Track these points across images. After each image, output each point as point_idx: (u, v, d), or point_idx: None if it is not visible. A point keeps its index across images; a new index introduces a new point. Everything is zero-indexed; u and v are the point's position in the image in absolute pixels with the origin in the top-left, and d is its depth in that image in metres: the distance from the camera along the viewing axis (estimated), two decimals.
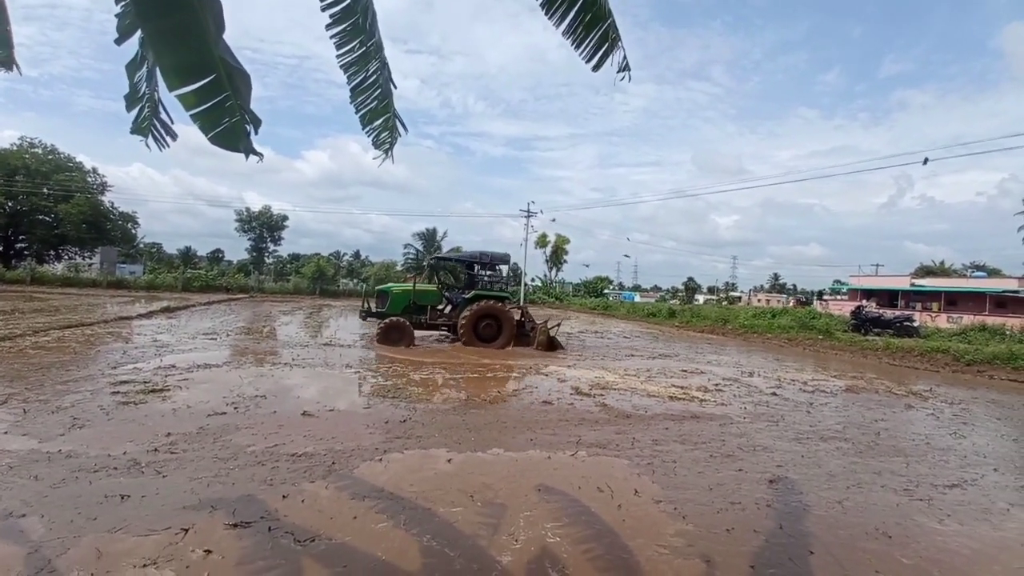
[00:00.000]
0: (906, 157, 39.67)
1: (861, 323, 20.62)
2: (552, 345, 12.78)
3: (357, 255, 64.04)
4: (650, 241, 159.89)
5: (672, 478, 4.41)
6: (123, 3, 2.22)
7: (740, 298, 73.67)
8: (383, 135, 2.55)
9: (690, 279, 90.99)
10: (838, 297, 46.89)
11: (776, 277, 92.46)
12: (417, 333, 12.58)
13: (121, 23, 2.32)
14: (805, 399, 8.25)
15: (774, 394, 8.48)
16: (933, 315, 31.24)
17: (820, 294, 57.83)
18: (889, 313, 23.79)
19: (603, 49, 2.45)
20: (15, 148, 37.85)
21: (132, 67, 2.34)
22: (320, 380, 7.96)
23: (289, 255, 64.47)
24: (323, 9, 2.24)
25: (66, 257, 40.77)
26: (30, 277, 28.87)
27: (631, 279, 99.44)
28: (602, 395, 7.69)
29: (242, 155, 1.80)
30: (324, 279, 41.38)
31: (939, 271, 48.84)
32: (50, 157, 38.81)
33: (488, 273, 13.74)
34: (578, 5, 2.35)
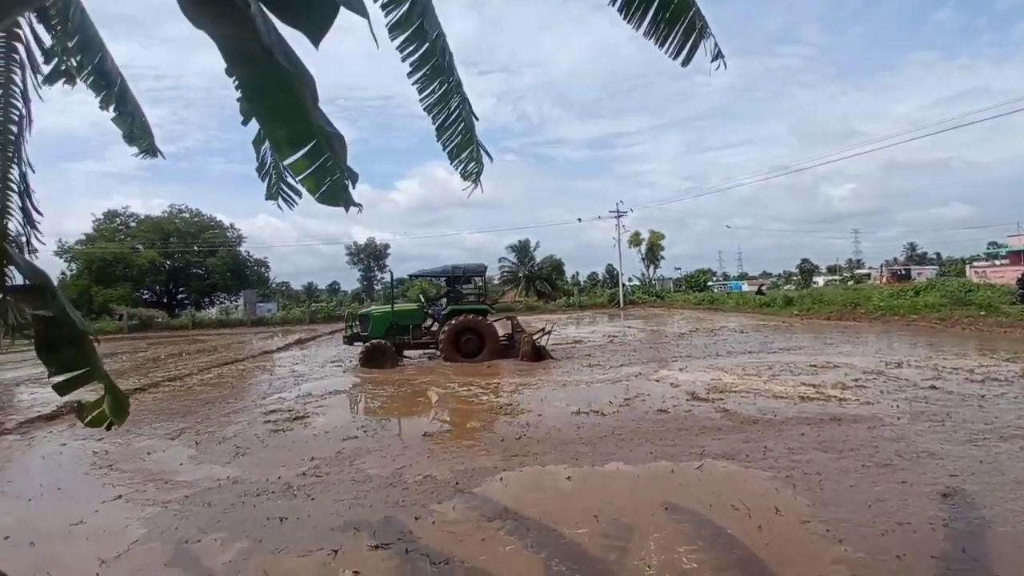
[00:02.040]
0: None
1: None
2: (539, 355, 11.96)
3: None
4: (753, 225, 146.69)
5: (818, 493, 3.96)
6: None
7: (869, 276, 65.37)
8: (470, 166, 2.69)
9: (805, 260, 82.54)
10: (996, 263, 39.76)
11: (912, 247, 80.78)
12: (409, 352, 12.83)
13: (243, 106, 2.65)
14: (974, 391, 7.04)
15: (933, 387, 7.34)
16: None
17: (970, 261, 49.53)
18: None
19: (691, 40, 2.34)
20: (167, 215, 45.45)
21: (258, 142, 2.65)
22: (436, 400, 8.34)
23: (396, 280, 69.13)
24: (403, 59, 2.37)
25: (218, 302, 47.70)
26: (191, 322, 33.83)
27: (736, 267, 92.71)
28: (721, 399, 7.19)
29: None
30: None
31: None
32: (196, 219, 46.00)
33: (471, 285, 13.64)
34: (658, 1, 2.26)
